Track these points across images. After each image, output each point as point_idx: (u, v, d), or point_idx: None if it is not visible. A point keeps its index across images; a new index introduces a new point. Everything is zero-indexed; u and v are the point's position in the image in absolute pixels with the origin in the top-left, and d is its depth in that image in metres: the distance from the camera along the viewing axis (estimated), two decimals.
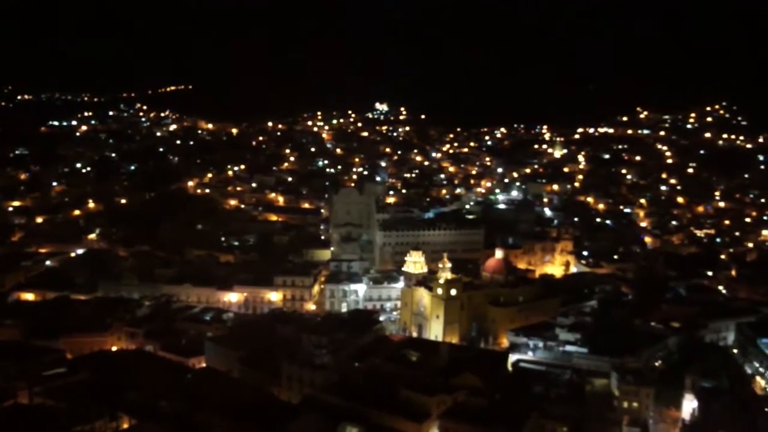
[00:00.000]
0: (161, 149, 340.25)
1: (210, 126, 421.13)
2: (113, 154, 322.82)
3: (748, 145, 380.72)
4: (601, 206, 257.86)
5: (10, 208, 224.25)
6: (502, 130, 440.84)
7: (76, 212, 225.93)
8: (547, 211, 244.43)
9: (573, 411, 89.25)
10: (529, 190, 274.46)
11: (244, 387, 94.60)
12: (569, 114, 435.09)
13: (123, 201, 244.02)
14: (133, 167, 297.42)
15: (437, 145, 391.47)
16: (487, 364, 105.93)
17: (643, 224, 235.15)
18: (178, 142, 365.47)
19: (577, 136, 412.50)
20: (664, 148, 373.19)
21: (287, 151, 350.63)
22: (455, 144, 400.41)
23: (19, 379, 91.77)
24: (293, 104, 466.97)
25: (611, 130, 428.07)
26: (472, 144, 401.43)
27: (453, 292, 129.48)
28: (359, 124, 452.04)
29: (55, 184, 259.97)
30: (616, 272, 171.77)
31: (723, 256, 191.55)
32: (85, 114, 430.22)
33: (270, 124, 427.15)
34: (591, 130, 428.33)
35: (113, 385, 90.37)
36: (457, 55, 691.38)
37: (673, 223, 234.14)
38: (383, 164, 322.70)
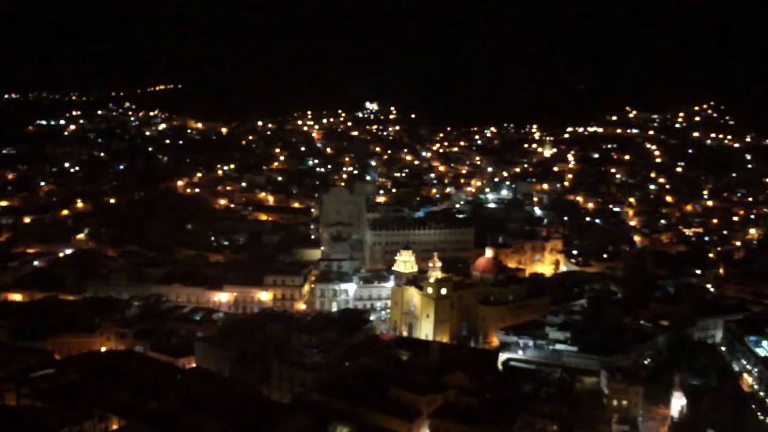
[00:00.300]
0: (150, 149, 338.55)
1: (199, 125, 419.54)
2: (102, 154, 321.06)
3: (736, 145, 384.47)
4: (590, 205, 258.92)
5: None
6: (492, 129, 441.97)
7: (65, 212, 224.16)
8: (537, 210, 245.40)
9: (563, 409, 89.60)
10: (518, 190, 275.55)
11: (234, 387, 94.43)
12: (559, 113, 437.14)
13: (112, 201, 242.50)
14: (122, 167, 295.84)
15: (427, 145, 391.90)
16: (477, 363, 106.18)
17: (632, 223, 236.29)
18: (168, 141, 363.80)
19: (566, 136, 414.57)
20: (653, 147, 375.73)
21: (277, 150, 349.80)
22: (445, 143, 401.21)
23: (7, 381, 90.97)
24: (283, 103, 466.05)
25: (600, 130, 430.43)
26: (462, 143, 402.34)
27: (443, 291, 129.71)
28: (349, 124, 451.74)
29: (43, 183, 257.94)
30: (605, 271, 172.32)
31: (711, 255, 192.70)
32: (74, 113, 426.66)
33: (260, 123, 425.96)
34: (580, 130, 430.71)
35: (102, 386, 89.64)
36: (448, 55, 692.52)
37: (662, 221, 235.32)
38: (373, 163, 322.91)
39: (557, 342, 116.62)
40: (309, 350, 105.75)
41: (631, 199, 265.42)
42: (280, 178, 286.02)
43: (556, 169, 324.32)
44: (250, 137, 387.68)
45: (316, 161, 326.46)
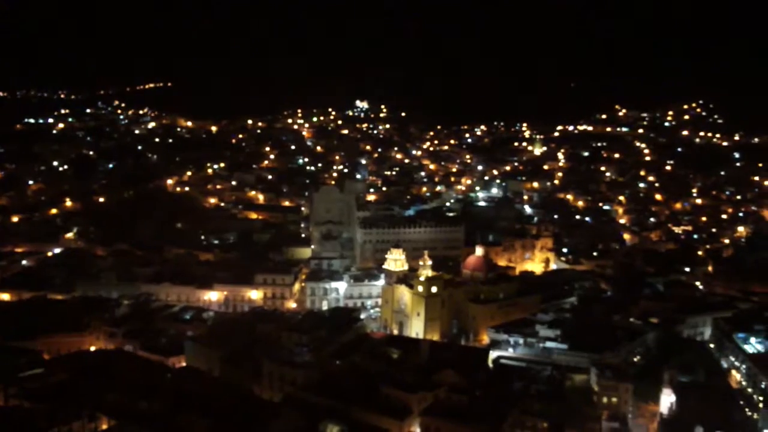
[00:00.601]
0: (140, 147, 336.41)
1: (189, 124, 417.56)
2: (91, 152, 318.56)
3: (725, 143, 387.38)
4: (580, 203, 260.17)
5: None
6: (482, 127, 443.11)
7: (53, 211, 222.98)
8: (527, 209, 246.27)
9: (553, 407, 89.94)
10: (509, 188, 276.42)
11: (224, 386, 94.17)
12: (549, 112, 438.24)
13: (101, 199, 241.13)
14: (111, 165, 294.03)
15: (417, 143, 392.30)
16: (467, 361, 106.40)
17: (622, 221, 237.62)
18: (157, 140, 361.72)
19: (556, 134, 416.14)
20: (643, 145, 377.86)
21: (267, 148, 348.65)
22: (435, 142, 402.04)
23: None
24: (273, 102, 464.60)
25: (590, 128, 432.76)
26: (452, 141, 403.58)
27: (434, 289, 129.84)
28: (340, 122, 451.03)
29: (31, 182, 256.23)
30: (595, 269, 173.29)
31: (700, 253, 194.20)
32: (62, 111, 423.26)
33: (250, 121, 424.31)
34: (570, 128, 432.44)
35: (92, 386, 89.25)
36: (438, 54, 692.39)
37: (651, 219, 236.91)
38: (363, 162, 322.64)
39: (547, 340, 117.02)
40: (299, 349, 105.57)
41: (621, 198, 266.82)
42: (270, 177, 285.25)
43: (546, 167, 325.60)
44: (240, 136, 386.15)
45: (306, 160, 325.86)
